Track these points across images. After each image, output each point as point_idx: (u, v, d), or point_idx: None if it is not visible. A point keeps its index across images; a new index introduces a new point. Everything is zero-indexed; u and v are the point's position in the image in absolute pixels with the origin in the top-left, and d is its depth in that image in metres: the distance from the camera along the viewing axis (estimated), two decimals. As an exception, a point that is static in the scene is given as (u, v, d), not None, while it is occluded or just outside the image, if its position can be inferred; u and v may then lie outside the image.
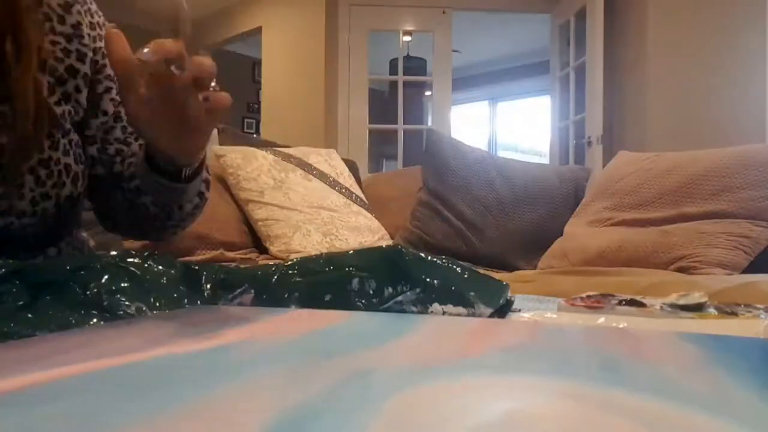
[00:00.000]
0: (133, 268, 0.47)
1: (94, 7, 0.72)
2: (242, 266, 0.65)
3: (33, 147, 0.62)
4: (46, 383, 0.25)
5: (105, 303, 0.43)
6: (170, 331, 0.38)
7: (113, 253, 0.50)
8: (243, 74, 6.34)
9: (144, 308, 0.45)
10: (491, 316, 0.47)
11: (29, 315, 0.40)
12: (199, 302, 0.50)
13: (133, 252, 0.52)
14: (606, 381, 0.25)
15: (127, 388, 0.25)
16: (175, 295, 0.48)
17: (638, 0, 3.41)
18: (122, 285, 0.45)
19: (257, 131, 6.12)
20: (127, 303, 0.44)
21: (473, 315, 0.46)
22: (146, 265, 0.48)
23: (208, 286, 0.51)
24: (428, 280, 0.47)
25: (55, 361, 0.29)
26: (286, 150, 1.94)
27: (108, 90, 0.71)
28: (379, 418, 0.20)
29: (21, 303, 0.41)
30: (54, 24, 0.66)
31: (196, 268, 0.52)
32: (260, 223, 1.72)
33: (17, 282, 0.42)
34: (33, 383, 0.25)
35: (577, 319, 0.48)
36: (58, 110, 0.65)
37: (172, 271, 0.50)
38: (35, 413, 0.21)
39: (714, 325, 0.45)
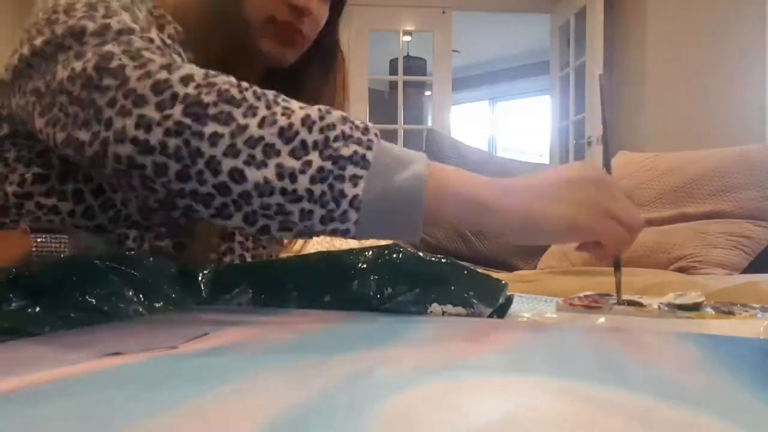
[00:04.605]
0: (129, 269, 0.46)
1: None
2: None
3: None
4: (46, 383, 0.25)
5: (104, 307, 0.43)
6: (169, 332, 0.38)
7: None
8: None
9: (141, 310, 0.45)
10: (490, 315, 0.47)
11: (27, 320, 0.40)
12: (196, 302, 0.50)
13: (128, 253, 0.52)
14: (605, 381, 0.25)
15: (127, 388, 0.25)
16: (173, 296, 0.48)
17: (638, 0, 3.41)
18: (118, 286, 0.45)
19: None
20: (122, 306, 0.44)
21: (472, 315, 0.46)
22: (142, 266, 0.48)
23: (205, 285, 0.51)
24: (427, 280, 0.47)
25: (55, 361, 0.29)
26: (286, 150, 1.93)
27: None
28: (378, 418, 0.20)
29: (18, 307, 0.41)
30: None
31: (190, 268, 0.52)
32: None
33: (14, 288, 0.41)
34: (33, 383, 0.25)
35: (576, 319, 0.48)
36: None
37: (167, 271, 0.50)
38: (35, 413, 0.21)
39: (713, 325, 0.45)
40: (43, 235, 0.50)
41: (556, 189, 0.47)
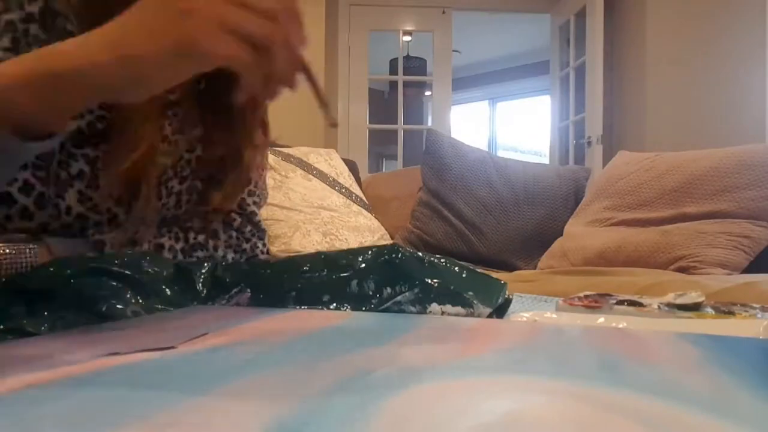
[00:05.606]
0: (126, 271, 0.46)
1: None
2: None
3: None
4: (46, 383, 0.25)
5: (103, 309, 0.43)
6: (169, 332, 0.38)
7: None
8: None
9: (140, 311, 0.45)
10: (490, 315, 0.47)
11: (25, 320, 0.40)
12: (195, 302, 0.50)
13: (126, 253, 0.51)
14: (605, 381, 0.25)
15: (126, 388, 0.25)
16: (169, 293, 0.48)
17: (638, 0, 3.41)
18: (115, 288, 0.45)
19: (257, 131, 6.11)
20: (120, 307, 0.44)
21: (472, 315, 0.46)
22: (138, 267, 0.48)
23: (203, 285, 0.51)
24: (427, 280, 0.47)
25: (55, 361, 0.29)
26: (286, 150, 1.93)
27: None
28: (379, 418, 0.20)
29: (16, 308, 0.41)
30: None
31: (186, 266, 0.52)
32: (260, 223, 1.72)
33: (9, 292, 0.41)
34: (33, 383, 0.25)
35: (576, 318, 0.48)
36: None
37: (165, 272, 0.50)
38: (35, 413, 0.21)
39: (713, 325, 0.45)
40: (11, 246, 0.48)
41: (151, 10, 0.36)
